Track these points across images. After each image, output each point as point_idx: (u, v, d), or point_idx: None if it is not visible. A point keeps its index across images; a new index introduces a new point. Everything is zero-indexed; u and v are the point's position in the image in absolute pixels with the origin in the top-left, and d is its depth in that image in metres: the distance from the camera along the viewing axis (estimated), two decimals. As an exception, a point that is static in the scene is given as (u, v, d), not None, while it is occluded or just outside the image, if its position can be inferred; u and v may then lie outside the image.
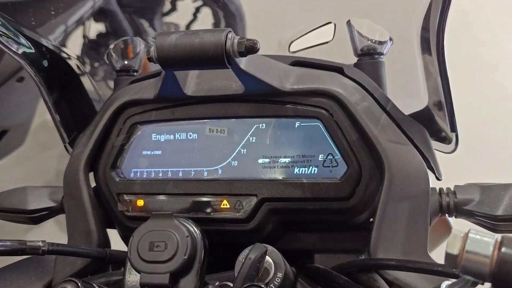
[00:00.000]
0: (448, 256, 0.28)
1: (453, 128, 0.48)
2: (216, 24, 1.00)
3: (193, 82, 0.49)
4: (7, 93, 1.40)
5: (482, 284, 0.28)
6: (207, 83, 0.49)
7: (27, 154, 1.94)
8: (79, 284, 0.38)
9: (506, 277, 0.26)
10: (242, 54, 0.41)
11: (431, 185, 0.50)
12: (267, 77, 0.46)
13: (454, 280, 0.31)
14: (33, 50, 0.53)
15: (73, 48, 0.65)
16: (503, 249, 0.26)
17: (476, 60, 2.14)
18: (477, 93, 2.03)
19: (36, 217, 0.55)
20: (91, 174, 0.55)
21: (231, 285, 0.46)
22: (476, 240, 0.27)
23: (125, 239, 0.55)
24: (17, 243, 0.42)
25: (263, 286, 0.33)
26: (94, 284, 0.41)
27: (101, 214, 0.53)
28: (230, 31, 0.41)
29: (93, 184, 0.54)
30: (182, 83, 0.49)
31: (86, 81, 0.63)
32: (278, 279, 0.44)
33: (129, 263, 0.43)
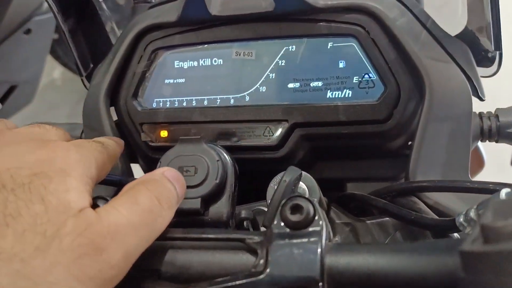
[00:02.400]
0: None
1: (498, 46, 0.45)
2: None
3: (219, 1, 0.46)
4: (14, 45, 1.36)
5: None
6: (234, 2, 0.46)
7: (35, 112, 1.92)
8: (109, 199, 0.36)
9: None
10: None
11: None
12: (299, -8, 0.43)
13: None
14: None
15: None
16: None
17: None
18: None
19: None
20: (112, 109, 0.52)
21: (265, 209, 0.45)
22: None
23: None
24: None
25: (308, 197, 0.31)
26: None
27: (124, 147, 0.51)
28: None
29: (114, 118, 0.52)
30: (207, 2, 0.45)
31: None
32: (313, 205, 0.42)
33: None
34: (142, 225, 0.29)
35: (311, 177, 0.43)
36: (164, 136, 0.50)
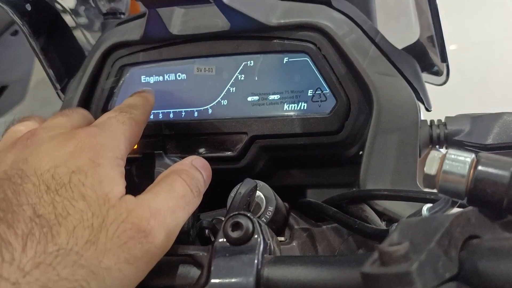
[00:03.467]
0: (426, 176, 0.28)
1: (444, 58, 0.48)
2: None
3: (178, 21, 0.49)
4: (2, 47, 1.39)
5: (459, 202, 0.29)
6: (193, 22, 0.48)
7: (28, 110, 1.94)
8: None
9: (481, 194, 0.26)
10: (225, -12, 0.40)
11: (423, 118, 0.50)
12: (253, 12, 0.45)
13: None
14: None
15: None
16: (479, 167, 0.26)
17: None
18: (483, 32, 1.98)
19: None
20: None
21: (223, 218, 0.47)
22: (454, 159, 0.27)
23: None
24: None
25: (248, 214, 0.33)
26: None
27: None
28: None
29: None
30: (167, 22, 0.48)
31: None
32: (269, 213, 0.45)
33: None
34: (178, 209, 0.33)
35: (268, 187, 0.46)
36: (133, 148, 0.52)
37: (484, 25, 2.00)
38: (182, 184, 0.35)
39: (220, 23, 0.47)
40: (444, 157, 0.28)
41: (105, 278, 0.28)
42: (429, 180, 0.28)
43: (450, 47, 1.90)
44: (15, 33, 1.40)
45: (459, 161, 0.27)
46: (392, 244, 0.24)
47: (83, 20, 0.63)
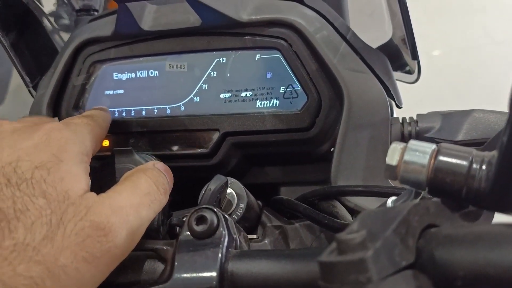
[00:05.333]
0: (387, 167, 0.28)
1: (414, 55, 0.48)
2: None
3: (150, 17, 0.48)
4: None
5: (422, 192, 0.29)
6: (164, 18, 0.48)
7: (11, 112, 1.92)
8: None
9: (441, 184, 0.26)
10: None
11: (396, 115, 0.51)
12: (223, 8, 0.45)
13: (400, 195, 0.32)
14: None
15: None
16: (439, 157, 0.26)
17: (463, 3, 2.11)
18: (465, 38, 2.01)
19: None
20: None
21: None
22: (415, 149, 0.27)
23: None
24: None
25: (214, 208, 0.33)
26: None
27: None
28: None
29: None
30: (138, 18, 0.47)
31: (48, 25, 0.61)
32: (240, 210, 0.45)
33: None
34: (141, 206, 0.33)
35: (240, 184, 0.45)
36: (106, 145, 0.52)
37: (467, 30, 2.03)
38: (147, 181, 0.35)
39: (192, 19, 0.47)
40: (405, 147, 0.28)
41: (61, 277, 0.27)
42: (391, 171, 0.28)
43: (433, 52, 1.93)
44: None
45: (420, 151, 0.27)
46: (350, 233, 0.24)
47: (58, 17, 0.63)
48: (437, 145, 0.27)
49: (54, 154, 0.32)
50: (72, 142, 0.34)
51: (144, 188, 0.34)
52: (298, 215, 0.46)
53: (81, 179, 0.32)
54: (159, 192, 0.35)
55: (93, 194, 0.31)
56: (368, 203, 0.44)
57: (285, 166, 0.52)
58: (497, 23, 2.00)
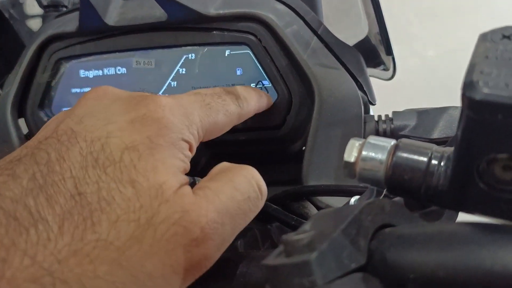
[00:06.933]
0: (345, 164, 0.27)
1: (389, 51, 0.46)
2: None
3: (115, 12, 0.47)
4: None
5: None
6: (130, 13, 0.46)
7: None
8: None
9: (400, 181, 0.25)
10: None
11: (371, 113, 0.49)
12: (190, 2, 0.43)
13: (363, 194, 0.31)
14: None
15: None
16: (397, 153, 0.25)
17: (455, 4, 2.11)
18: (458, 39, 2.01)
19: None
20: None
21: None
22: (373, 145, 0.26)
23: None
24: None
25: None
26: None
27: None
28: None
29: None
30: (103, 14, 0.46)
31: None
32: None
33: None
34: (238, 214, 0.27)
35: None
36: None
37: (459, 32, 2.02)
38: (247, 183, 0.29)
39: (158, 13, 0.45)
40: (364, 143, 0.26)
41: (146, 285, 0.23)
42: (348, 168, 0.27)
43: (427, 53, 1.92)
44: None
45: (378, 147, 0.26)
46: (299, 234, 0.22)
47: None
48: (396, 141, 0.26)
49: (148, 136, 0.26)
50: (173, 126, 0.28)
51: (244, 192, 0.29)
52: (267, 216, 0.44)
53: (177, 171, 0.27)
54: (258, 198, 0.30)
55: (189, 190, 0.26)
56: (340, 203, 0.43)
57: (257, 165, 0.50)
58: (489, 24, 2.00)
